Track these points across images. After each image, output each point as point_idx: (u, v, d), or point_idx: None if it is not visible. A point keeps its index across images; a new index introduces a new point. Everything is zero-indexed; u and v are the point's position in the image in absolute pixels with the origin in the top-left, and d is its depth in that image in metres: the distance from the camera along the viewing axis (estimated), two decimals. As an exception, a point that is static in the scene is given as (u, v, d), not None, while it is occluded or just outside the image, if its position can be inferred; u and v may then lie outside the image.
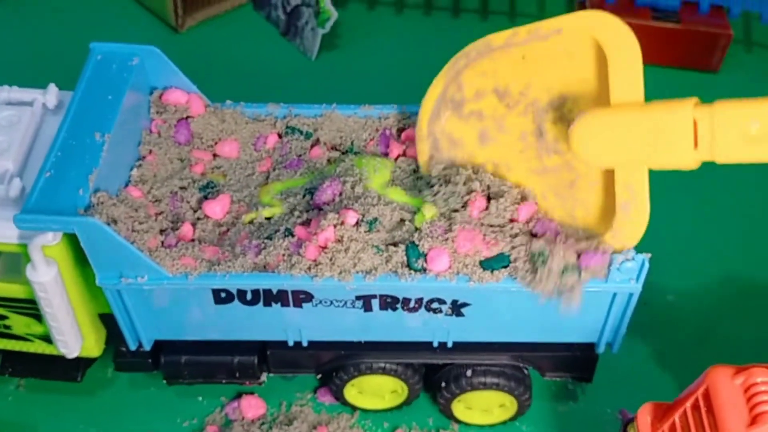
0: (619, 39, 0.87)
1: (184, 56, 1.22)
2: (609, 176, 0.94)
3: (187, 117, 1.14)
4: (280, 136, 1.19)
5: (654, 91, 1.67)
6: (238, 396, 1.22)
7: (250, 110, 1.19)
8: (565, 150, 0.96)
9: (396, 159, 1.13)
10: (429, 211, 1.03)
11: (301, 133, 1.18)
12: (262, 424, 1.19)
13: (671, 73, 1.75)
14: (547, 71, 0.95)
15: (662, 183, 1.48)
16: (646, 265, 0.98)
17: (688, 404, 0.97)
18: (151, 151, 1.11)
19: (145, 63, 1.13)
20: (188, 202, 1.08)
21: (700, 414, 0.94)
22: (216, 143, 1.15)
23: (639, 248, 0.98)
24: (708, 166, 1.55)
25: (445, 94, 1.02)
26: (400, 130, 1.16)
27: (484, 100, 1.00)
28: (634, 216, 0.92)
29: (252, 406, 1.20)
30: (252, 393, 1.22)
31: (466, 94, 1.02)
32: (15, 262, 1.03)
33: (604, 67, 0.90)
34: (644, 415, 1.03)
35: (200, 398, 1.23)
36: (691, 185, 1.51)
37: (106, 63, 1.10)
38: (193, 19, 1.80)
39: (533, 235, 1.00)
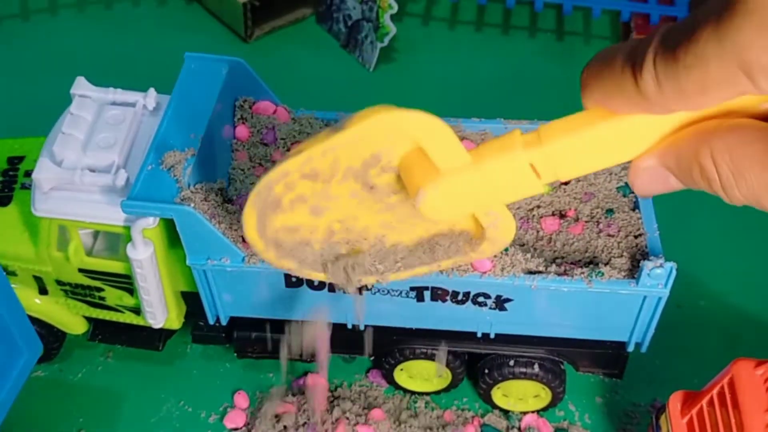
0: (429, 131, 0.81)
1: (252, 64, 1.34)
2: None
3: (273, 126, 1.27)
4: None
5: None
6: (304, 374, 1.35)
7: (323, 116, 1.32)
8: (401, 188, 0.91)
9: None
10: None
11: None
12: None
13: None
14: (351, 151, 0.87)
15: (696, 194, 1.59)
16: (674, 272, 1.08)
17: (715, 392, 1.09)
18: (238, 152, 1.25)
19: (232, 72, 1.26)
20: None
21: (725, 401, 1.07)
22: (292, 144, 1.29)
23: (676, 255, 1.09)
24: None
25: (261, 208, 0.94)
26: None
27: (299, 186, 0.92)
28: (504, 228, 0.93)
29: (317, 382, 1.33)
30: (317, 372, 1.35)
31: (277, 192, 0.92)
32: (113, 242, 1.18)
33: None
34: (675, 403, 1.15)
35: (270, 375, 1.37)
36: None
37: (198, 71, 1.23)
38: (260, 30, 1.94)
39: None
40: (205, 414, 1.33)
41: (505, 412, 1.32)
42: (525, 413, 1.31)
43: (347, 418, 1.28)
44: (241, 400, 1.33)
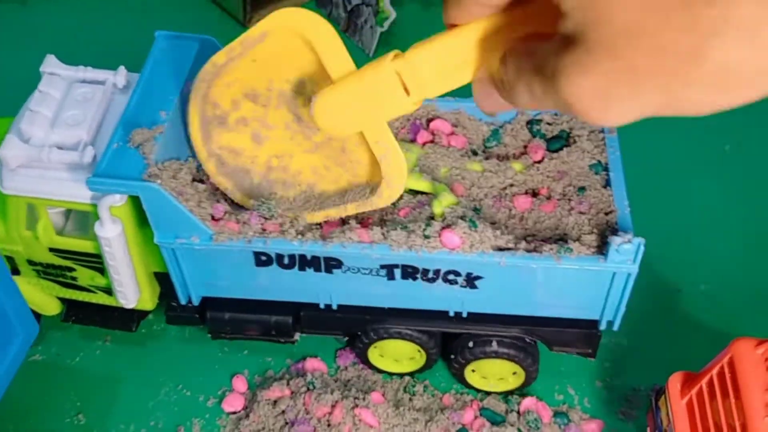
0: (313, 26, 0.98)
1: None
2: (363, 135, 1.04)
3: None
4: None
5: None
6: (303, 358, 1.36)
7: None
8: None
9: (423, 145, 1.25)
10: (447, 199, 1.15)
11: None
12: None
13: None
14: (278, 65, 1.05)
15: (696, 176, 1.58)
16: (642, 247, 1.07)
17: (714, 371, 1.07)
18: None
19: (204, 51, 1.26)
20: None
21: (724, 380, 1.05)
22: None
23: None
24: (741, 157, 1.63)
25: (204, 115, 1.12)
26: (428, 120, 1.28)
27: (243, 107, 1.11)
28: (394, 163, 1.03)
29: (316, 367, 1.34)
30: (315, 356, 1.36)
31: (225, 107, 1.12)
32: (84, 221, 1.19)
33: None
34: (674, 384, 1.14)
35: (269, 359, 1.36)
36: (725, 178, 1.60)
37: (170, 50, 1.23)
38: (259, 15, 1.93)
39: None
40: (203, 398, 1.33)
41: (504, 396, 1.31)
42: (523, 396, 1.30)
43: (345, 402, 1.27)
44: (240, 383, 1.33)
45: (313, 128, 1.07)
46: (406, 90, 0.84)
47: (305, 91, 1.05)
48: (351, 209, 1.10)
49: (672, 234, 1.49)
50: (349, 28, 1.91)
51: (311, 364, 1.34)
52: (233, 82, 1.10)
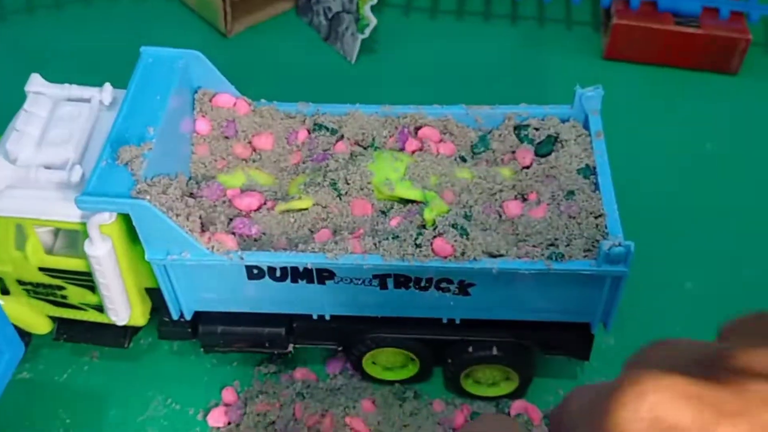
0: None
1: (233, 60, 1.33)
2: None
3: (234, 119, 1.27)
4: (309, 132, 1.31)
5: (675, 93, 1.76)
6: (293, 368, 1.35)
7: (283, 108, 1.32)
8: None
9: (412, 153, 1.25)
10: (438, 207, 1.15)
11: (327, 129, 1.30)
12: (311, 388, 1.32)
13: (691, 76, 1.83)
14: None
15: (679, 173, 1.59)
16: (632, 251, 1.07)
17: None
18: (199, 146, 1.25)
19: (190, 65, 1.26)
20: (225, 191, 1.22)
21: None
22: (254, 136, 1.29)
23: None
24: (729, 158, 1.64)
25: None
26: (417, 128, 1.28)
27: None
28: None
29: (305, 376, 1.33)
30: (305, 366, 1.35)
31: None
32: (73, 240, 1.18)
33: None
34: None
35: (258, 369, 1.36)
36: (711, 176, 1.61)
37: (156, 65, 1.23)
38: (240, 25, 1.94)
39: None
40: (193, 411, 1.32)
41: (494, 400, 1.31)
42: (514, 400, 1.30)
43: (335, 411, 1.27)
44: (229, 395, 1.32)
45: None
46: None
47: None
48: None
49: (658, 233, 1.50)
50: (330, 35, 1.91)
51: (300, 373, 1.34)
52: None
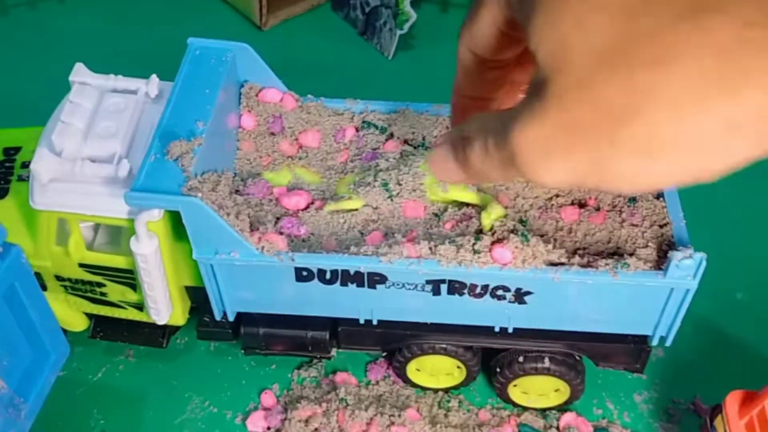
0: None
1: (267, 53, 1.29)
2: None
3: (280, 114, 1.23)
4: (357, 129, 1.27)
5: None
6: (333, 372, 1.31)
7: (331, 105, 1.28)
8: None
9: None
10: (496, 212, 1.10)
11: (377, 127, 1.25)
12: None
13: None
14: None
15: (736, 185, 1.54)
16: (704, 263, 1.03)
17: None
18: (244, 142, 1.21)
19: (237, 58, 1.22)
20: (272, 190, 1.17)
21: None
22: (300, 133, 1.24)
23: (705, 245, 1.04)
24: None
25: None
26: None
27: None
28: None
29: (346, 381, 1.29)
30: (345, 370, 1.31)
31: None
32: (115, 235, 1.14)
33: None
34: (732, 403, 1.09)
35: (297, 372, 1.32)
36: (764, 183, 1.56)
37: (203, 58, 1.19)
38: (275, 18, 1.89)
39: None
40: (231, 414, 1.28)
41: (542, 411, 1.27)
42: (563, 412, 1.26)
43: (380, 419, 1.23)
44: (268, 400, 1.28)
45: None
46: None
47: None
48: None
49: (708, 240, 1.45)
50: (366, 30, 1.87)
51: (341, 378, 1.30)
52: None
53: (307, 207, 1.16)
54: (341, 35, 1.89)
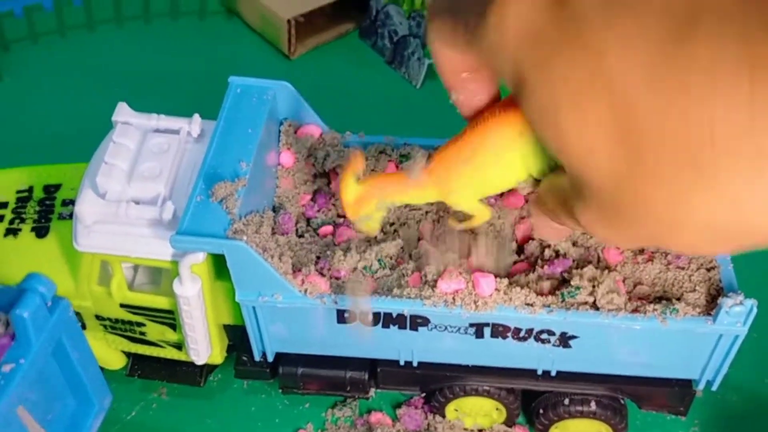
0: None
1: (295, 81, 1.28)
2: None
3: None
4: (396, 165, 1.26)
5: None
6: (368, 411, 1.30)
7: (371, 141, 1.26)
8: None
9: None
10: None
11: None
12: None
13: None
14: None
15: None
16: (755, 310, 1.02)
17: None
18: (284, 179, 1.20)
19: (277, 95, 1.21)
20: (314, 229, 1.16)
21: None
22: (337, 168, 1.23)
23: (755, 287, 1.02)
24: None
25: None
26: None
27: None
28: None
29: (381, 421, 1.28)
30: (380, 410, 1.30)
31: None
32: (156, 275, 1.13)
33: None
34: None
35: (332, 412, 1.30)
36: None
37: (244, 96, 1.18)
38: (304, 47, 1.89)
39: None
40: (267, 454, 1.27)
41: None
42: None
43: None
44: None
45: None
46: None
47: None
48: None
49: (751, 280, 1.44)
50: (394, 59, 1.87)
51: (376, 417, 1.28)
52: None
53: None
54: (369, 63, 1.89)
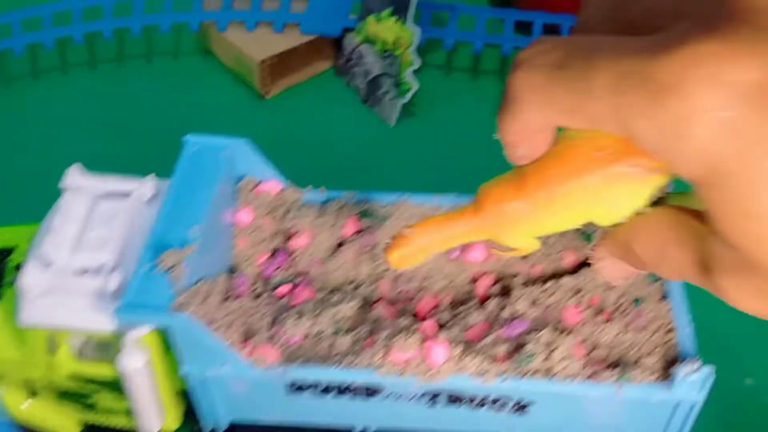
0: None
1: (270, 121, 1.25)
2: None
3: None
4: (358, 220, 1.24)
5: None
6: None
7: (332, 196, 1.25)
8: None
9: (466, 253, 1.18)
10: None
11: (377, 218, 1.23)
12: None
13: None
14: None
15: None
16: (712, 377, 0.99)
17: None
18: (240, 238, 1.18)
19: (235, 153, 1.20)
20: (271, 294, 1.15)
21: None
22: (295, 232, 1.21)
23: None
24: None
25: None
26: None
27: None
28: None
29: None
30: None
31: None
32: (105, 344, 1.11)
33: None
34: None
35: None
36: None
37: (200, 155, 1.16)
38: (278, 87, 1.88)
39: None
40: None
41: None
42: None
43: None
44: None
45: None
46: None
47: None
48: None
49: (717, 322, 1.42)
50: (369, 98, 1.85)
51: None
52: None
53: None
54: (344, 101, 1.88)
